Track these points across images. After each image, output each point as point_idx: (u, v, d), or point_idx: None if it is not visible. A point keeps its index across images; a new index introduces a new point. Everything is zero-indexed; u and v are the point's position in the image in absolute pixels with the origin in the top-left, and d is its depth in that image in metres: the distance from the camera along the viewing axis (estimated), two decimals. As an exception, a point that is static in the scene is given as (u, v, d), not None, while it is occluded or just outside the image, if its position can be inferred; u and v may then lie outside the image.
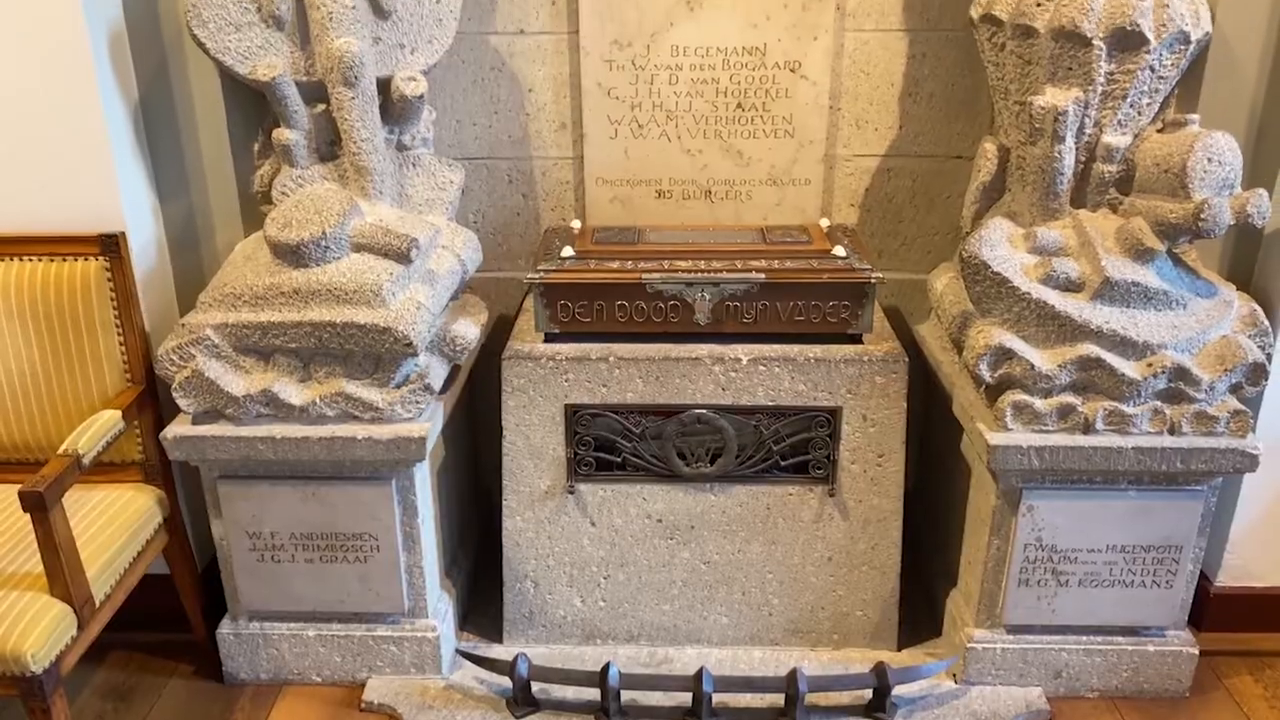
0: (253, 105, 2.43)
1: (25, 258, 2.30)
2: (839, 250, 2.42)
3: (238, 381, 2.21)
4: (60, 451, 2.09)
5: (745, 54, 2.64)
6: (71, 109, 2.23)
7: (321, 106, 2.37)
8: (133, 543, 2.28)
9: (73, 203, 2.31)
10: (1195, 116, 2.23)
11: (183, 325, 2.21)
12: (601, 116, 2.70)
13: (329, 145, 2.41)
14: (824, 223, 2.66)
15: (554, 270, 2.39)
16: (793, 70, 2.64)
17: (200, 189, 2.52)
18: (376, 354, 2.20)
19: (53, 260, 2.29)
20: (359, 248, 2.25)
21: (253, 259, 2.29)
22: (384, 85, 2.37)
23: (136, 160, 2.38)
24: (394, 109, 2.39)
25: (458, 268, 2.41)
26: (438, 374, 2.31)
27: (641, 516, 2.49)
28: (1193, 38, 2.18)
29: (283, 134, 2.34)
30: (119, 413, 2.24)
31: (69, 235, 2.28)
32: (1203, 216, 2.10)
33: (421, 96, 2.37)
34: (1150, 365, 2.16)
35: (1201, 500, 2.29)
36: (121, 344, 2.32)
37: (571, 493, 2.47)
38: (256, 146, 2.47)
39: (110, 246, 2.28)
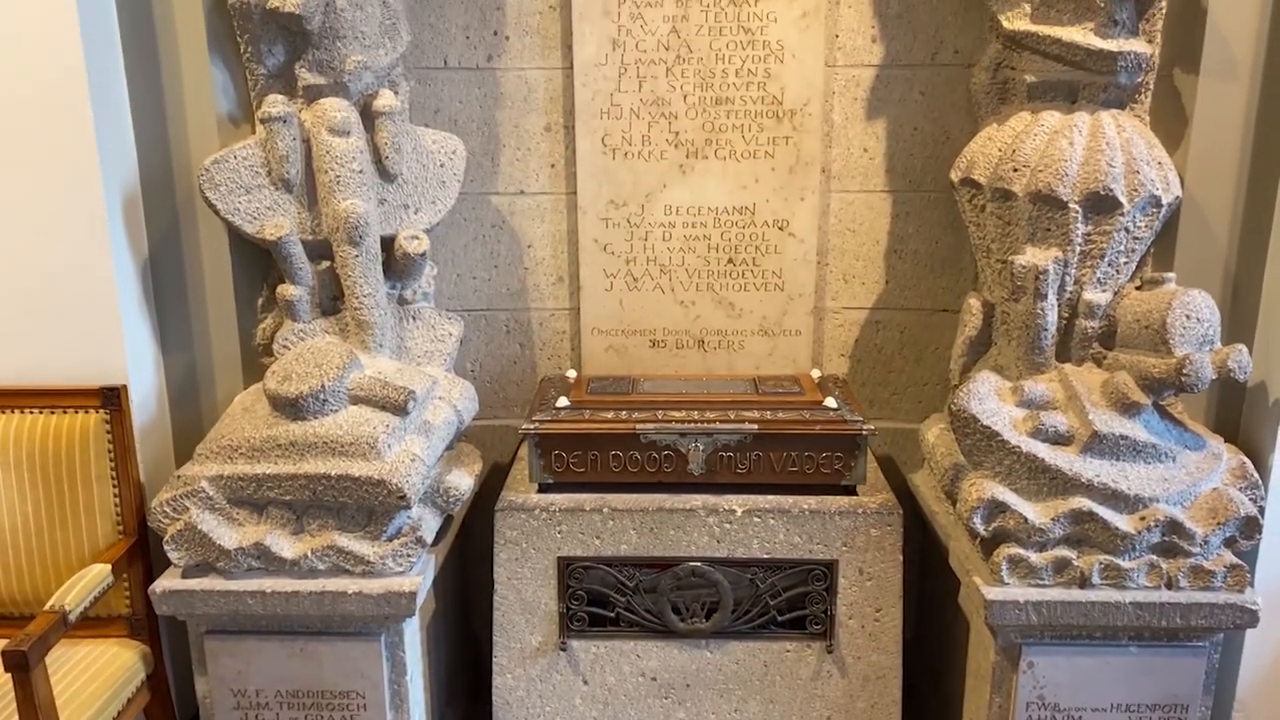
0: (258, 261, 2.51)
1: (25, 410, 2.33)
2: (831, 401, 2.46)
3: (230, 534, 2.20)
4: (47, 608, 2.07)
5: (735, 213, 2.74)
6: (84, 267, 2.31)
7: (326, 263, 2.44)
8: (114, 701, 2.23)
9: (77, 355, 2.36)
10: (1172, 275, 2.30)
11: (178, 477, 2.21)
12: (598, 270, 2.78)
13: (331, 300, 2.48)
14: (815, 373, 2.71)
15: (549, 420, 2.42)
16: (781, 228, 2.74)
17: (203, 342, 2.57)
18: (370, 506, 2.20)
19: (53, 413, 2.32)
20: (357, 400, 2.28)
21: (251, 411, 2.32)
22: (387, 242, 2.45)
23: (142, 314, 2.45)
24: (396, 265, 2.46)
25: (454, 419, 2.43)
26: (430, 526, 2.31)
27: (635, 674, 2.44)
28: (1164, 201, 2.28)
29: (287, 290, 2.41)
30: (108, 567, 2.23)
31: (70, 388, 2.32)
32: (1185, 372, 2.14)
33: (424, 254, 2.45)
34: (1143, 519, 2.16)
35: (1204, 657, 2.25)
36: (116, 496, 2.33)
37: (564, 649, 2.43)
38: (260, 301, 2.53)
39: (111, 399, 2.31)
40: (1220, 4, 2.31)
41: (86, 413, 2.32)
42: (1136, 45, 2.27)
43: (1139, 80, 2.32)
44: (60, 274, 2.33)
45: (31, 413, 2.32)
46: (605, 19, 2.63)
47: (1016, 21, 2.32)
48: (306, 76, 2.34)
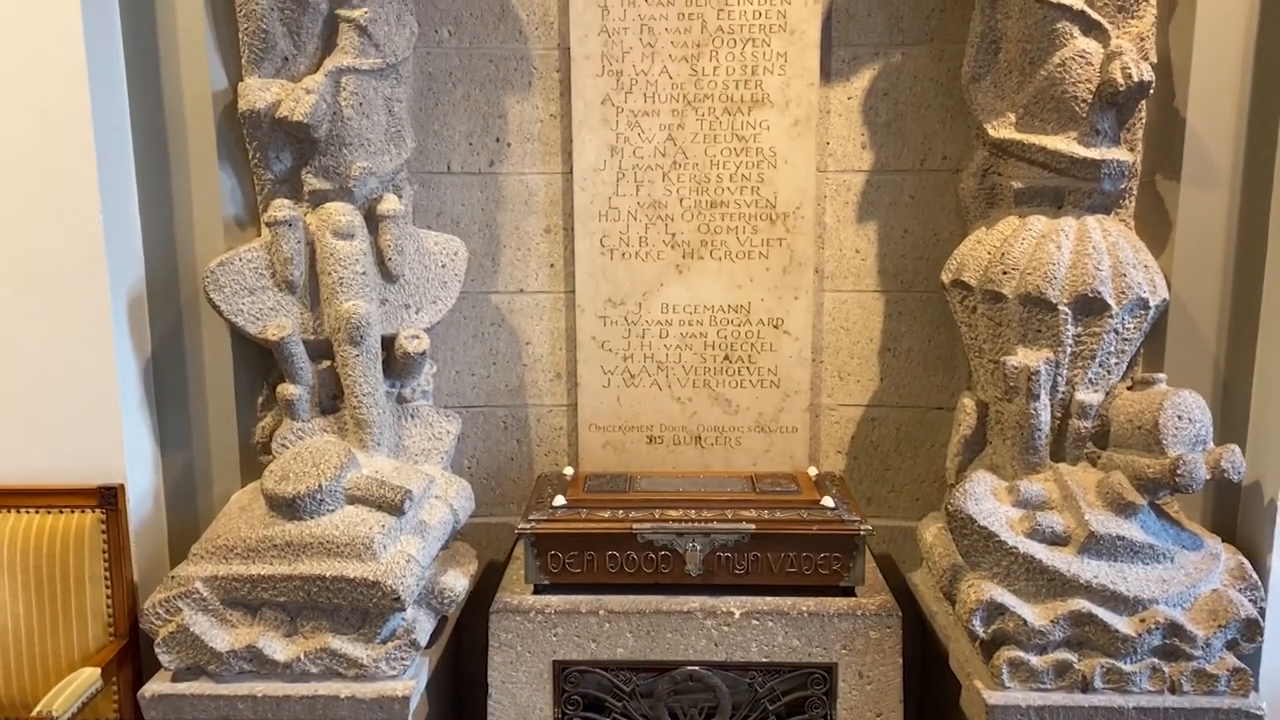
0: (259, 360, 2.54)
1: (21, 510, 2.32)
2: (828, 500, 2.46)
3: (223, 636, 2.17)
4: (34, 714, 2.03)
5: (731, 311, 2.78)
6: (87, 367, 2.33)
7: (326, 362, 2.47)
8: (97, 811, 2.18)
9: (76, 453, 2.37)
10: (1162, 375, 2.33)
11: (172, 578, 2.20)
12: (595, 367, 2.81)
13: (331, 399, 2.50)
14: (812, 471, 2.72)
15: (545, 520, 2.42)
16: (776, 326, 2.78)
17: (202, 440, 2.58)
18: (364, 608, 2.18)
19: (48, 513, 2.32)
20: (354, 500, 2.28)
21: (248, 510, 2.32)
22: (388, 341, 2.48)
23: (142, 414, 2.46)
24: (396, 364, 2.49)
25: (449, 518, 2.43)
26: (424, 628, 2.28)
27: (632, 780, 2.39)
28: (1151, 303, 2.32)
29: (287, 389, 2.43)
30: (98, 670, 2.20)
31: (67, 488, 2.32)
32: (1179, 472, 2.16)
33: (424, 353, 2.48)
34: (1143, 621, 2.15)
35: (1211, 764, 2.21)
36: (109, 597, 2.31)
37: (559, 755, 2.38)
38: (260, 399, 2.55)
39: (108, 499, 2.31)
40: (1198, 114, 2.39)
41: (83, 512, 2.31)
42: (1119, 154, 2.34)
43: (1122, 186, 2.39)
44: (63, 374, 2.35)
45: (27, 512, 2.32)
46: (604, 127, 2.71)
47: (1002, 130, 2.40)
48: (313, 182, 2.41)
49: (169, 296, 2.49)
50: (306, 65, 2.39)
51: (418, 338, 2.48)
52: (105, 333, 2.33)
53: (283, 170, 2.42)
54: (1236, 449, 2.18)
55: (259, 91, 2.34)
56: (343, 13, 2.36)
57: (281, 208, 2.39)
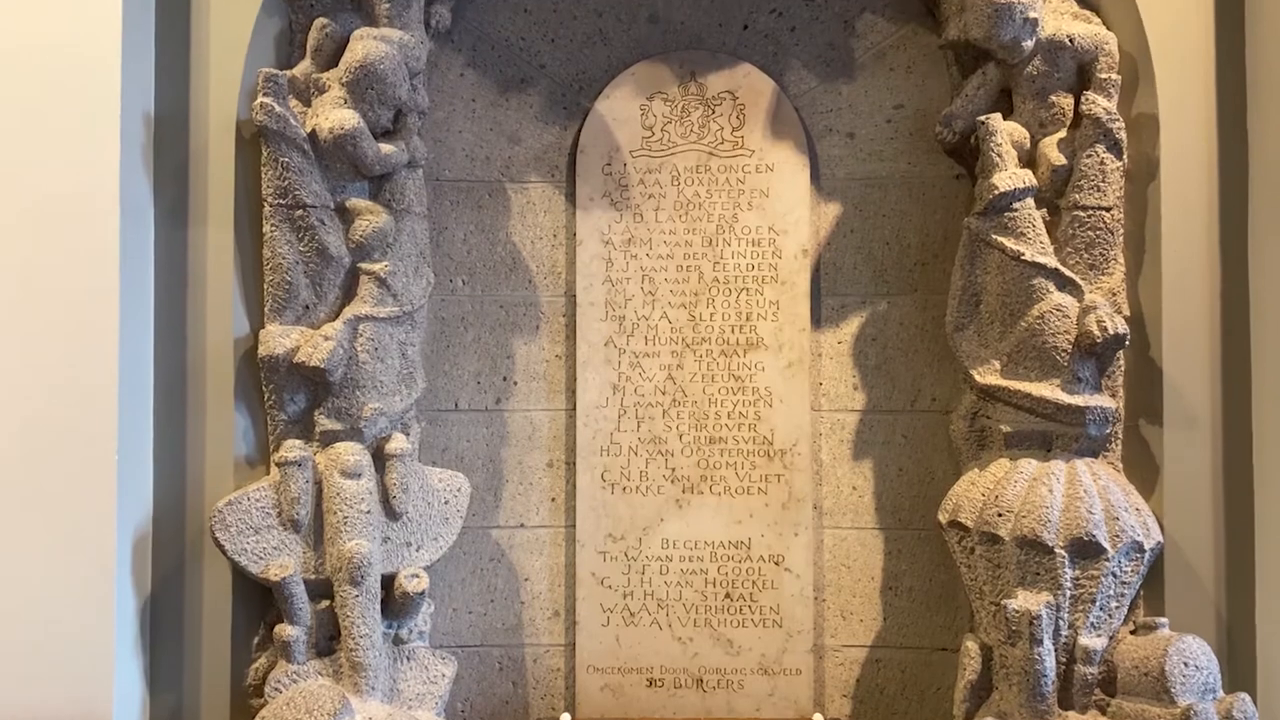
0: (259, 599, 2.52)
1: (1, 759, 2.24)
2: (833, 751, 2.39)
3: None
4: None
5: (731, 547, 2.80)
6: (85, 606, 2.31)
7: (325, 602, 2.46)
8: None
9: (64, 692, 2.30)
10: (1164, 620, 2.33)
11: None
12: (594, 605, 2.79)
13: (328, 640, 2.46)
14: (818, 718, 2.65)
15: (543, 772, 2.33)
16: (777, 563, 2.79)
17: (193, 681, 2.51)
18: None
19: (29, 762, 2.23)
20: (345, 749, 2.21)
21: (235, 760, 2.24)
22: (387, 580, 2.48)
23: (136, 654, 2.42)
24: (395, 604, 2.48)
25: (444, 768, 2.35)
26: None
27: None
28: (1146, 546, 2.35)
29: (284, 630, 2.41)
30: None
31: (50, 732, 2.25)
32: (1192, 725, 2.12)
33: (423, 593, 2.47)
34: None
35: None
36: None
37: None
38: (256, 640, 2.52)
39: (92, 748, 2.24)
40: (1174, 363, 2.51)
41: (63, 762, 2.23)
42: (1102, 400, 2.45)
43: (1108, 431, 2.48)
44: (59, 611, 2.33)
45: (6, 762, 2.23)
46: (607, 366, 2.83)
47: (988, 377, 2.51)
48: (324, 423, 2.48)
49: (174, 534, 2.50)
50: (326, 313, 2.53)
51: (418, 577, 2.49)
52: (108, 574, 2.33)
53: (296, 411, 2.51)
54: (1246, 697, 2.15)
55: (279, 338, 2.46)
56: (364, 266, 2.52)
57: (293, 448, 2.45)
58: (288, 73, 2.51)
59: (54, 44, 2.36)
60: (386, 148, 2.53)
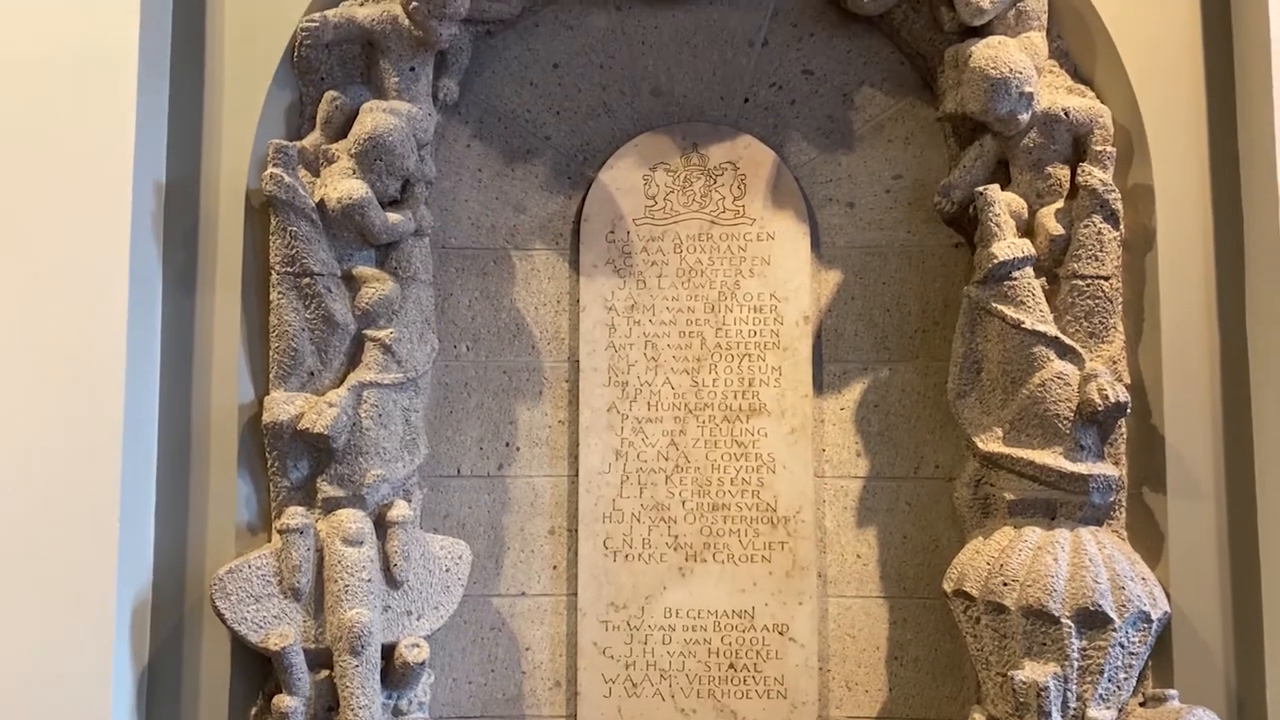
0: (257, 669, 2.49)
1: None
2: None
3: None
4: None
5: (735, 616, 2.77)
6: (81, 679, 2.28)
7: (325, 672, 2.43)
8: None
9: (54, 768, 2.27)
10: (1174, 692, 2.30)
11: None
12: (596, 675, 2.76)
13: (326, 711, 2.43)
14: (824, 795, 2.60)
15: None
16: (781, 633, 2.76)
17: (189, 756, 2.48)
18: None
19: (18, 839, 2.18)
20: (342, 825, 2.17)
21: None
22: (388, 650, 2.45)
23: (130, 726, 2.39)
24: (395, 675, 2.45)
25: (442, 845, 2.30)
26: None
27: None
28: (1153, 616, 2.33)
29: (283, 701, 2.37)
30: None
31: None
32: (1206, 801, 2.08)
33: (423, 663, 2.44)
34: None
35: None
36: None
37: None
38: (254, 710, 2.48)
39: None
40: (1175, 431, 2.51)
41: (54, 839, 2.18)
42: (1105, 468, 2.45)
43: (1111, 500, 2.47)
44: (56, 676, 2.29)
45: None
46: (609, 432, 2.84)
47: (991, 444, 2.52)
48: (327, 489, 2.48)
49: (174, 601, 2.48)
50: (331, 380, 2.54)
51: (418, 646, 2.46)
52: (106, 641, 2.30)
53: (299, 478, 2.50)
54: (1262, 774, 2.11)
55: (284, 404, 2.47)
56: (369, 333, 2.53)
57: (295, 515, 2.45)
58: (298, 144, 2.56)
59: (69, 110, 2.41)
60: (394, 217, 2.57)
